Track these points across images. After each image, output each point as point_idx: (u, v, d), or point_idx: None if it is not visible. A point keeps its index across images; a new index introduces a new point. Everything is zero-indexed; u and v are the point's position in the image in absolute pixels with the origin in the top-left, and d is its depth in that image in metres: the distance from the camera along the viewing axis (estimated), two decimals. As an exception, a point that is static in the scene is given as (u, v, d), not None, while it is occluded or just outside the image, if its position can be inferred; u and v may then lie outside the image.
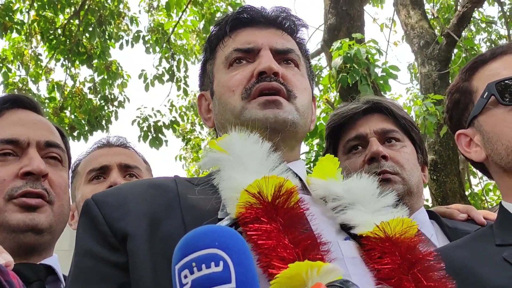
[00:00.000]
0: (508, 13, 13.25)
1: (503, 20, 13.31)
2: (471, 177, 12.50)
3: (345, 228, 1.55)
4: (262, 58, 1.70)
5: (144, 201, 1.48)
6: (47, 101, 11.71)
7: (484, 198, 12.44)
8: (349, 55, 6.54)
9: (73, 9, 11.62)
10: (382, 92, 7.21)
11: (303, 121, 1.70)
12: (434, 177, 8.01)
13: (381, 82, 6.99)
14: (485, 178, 12.35)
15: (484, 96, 1.74)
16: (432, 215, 2.36)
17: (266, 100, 1.63)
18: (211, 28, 1.90)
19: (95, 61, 11.93)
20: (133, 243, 1.39)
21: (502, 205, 1.77)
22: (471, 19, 10.12)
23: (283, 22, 1.83)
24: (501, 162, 1.72)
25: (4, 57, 11.63)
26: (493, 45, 13.45)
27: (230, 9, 11.33)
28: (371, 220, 1.51)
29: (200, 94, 1.89)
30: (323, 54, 9.61)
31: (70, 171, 2.64)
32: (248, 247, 1.13)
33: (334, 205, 1.58)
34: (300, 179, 1.65)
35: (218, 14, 11.28)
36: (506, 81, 1.71)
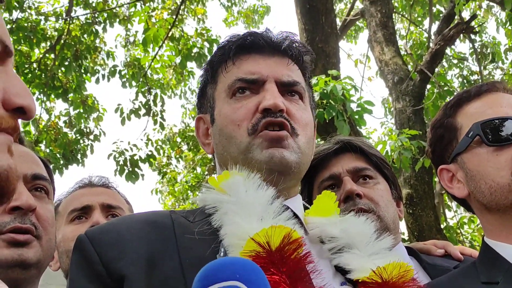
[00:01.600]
0: (478, 50, 13.55)
1: (474, 56, 13.60)
2: (446, 210, 12.62)
3: (341, 271, 1.55)
4: (267, 93, 1.65)
5: (140, 240, 1.44)
6: (21, 135, 11.58)
7: (459, 231, 12.55)
8: (325, 91, 6.61)
9: (48, 43, 11.61)
10: (357, 127, 7.30)
11: (305, 159, 1.68)
12: (410, 211, 8.07)
13: (357, 117, 7.07)
14: (459, 211, 12.48)
15: (469, 135, 1.77)
16: (411, 251, 2.38)
17: (271, 137, 1.60)
18: (214, 50, 1.84)
19: (71, 95, 11.89)
20: (130, 286, 1.36)
21: (484, 241, 1.80)
22: (444, 55, 10.33)
23: (288, 49, 1.76)
24: (483, 200, 1.76)
25: (-22, 90, 11.51)
26: (465, 80, 13.73)
27: (207, 44, 11.41)
28: (367, 264, 1.51)
29: (199, 117, 1.84)
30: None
31: None
32: (268, 281, 1.11)
33: (330, 246, 1.58)
34: (298, 217, 1.63)
35: (195, 50, 11.35)
36: (491, 122, 1.74)
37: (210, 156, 1.86)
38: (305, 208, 1.75)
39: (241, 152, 1.63)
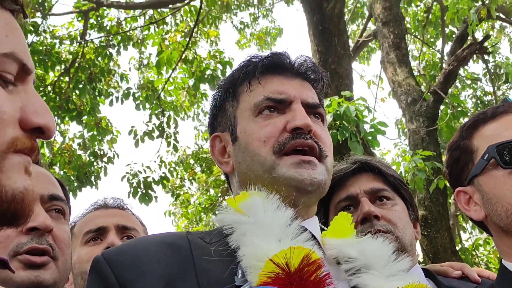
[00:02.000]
0: (492, 70, 13.52)
1: (487, 76, 13.57)
2: (461, 232, 12.50)
3: None
4: (296, 113, 1.65)
5: (158, 262, 1.43)
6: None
7: (474, 253, 12.41)
8: (338, 112, 6.62)
9: (63, 66, 11.72)
10: (371, 148, 7.28)
11: (329, 180, 1.68)
12: (425, 233, 8.01)
13: (370, 138, 7.06)
14: (474, 233, 12.36)
15: (485, 158, 1.77)
16: (427, 273, 2.36)
17: (301, 160, 1.60)
18: (234, 69, 1.81)
19: (85, 117, 11.97)
20: None
21: (502, 264, 1.78)
22: (457, 76, 10.31)
23: (308, 73, 1.78)
24: (500, 223, 1.74)
25: (-6, 114, 11.61)
26: (478, 101, 13.68)
27: (220, 66, 11.47)
28: (385, 285, 1.50)
29: (215, 135, 1.81)
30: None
31: None
32: None
33: (347, 267, 1.57)
34: (315, 237, 1.62)
35: (208, 72, 11.41)
36: (507, 144, 1.73)
37: (223, 177, 1.86)
38: (321, 230, 1.73)
39: (266, 171, 1.62)
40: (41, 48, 11.22)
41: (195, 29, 11.93)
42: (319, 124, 1.72)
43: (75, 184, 11.58)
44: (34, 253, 1.76)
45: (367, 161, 2.43)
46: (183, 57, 11.17)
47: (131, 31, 12.51)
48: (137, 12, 12.63)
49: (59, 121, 11.83)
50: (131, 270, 1.41)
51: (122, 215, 2.60)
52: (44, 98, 11.31)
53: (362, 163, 2.41)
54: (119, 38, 12.16)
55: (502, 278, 1.76)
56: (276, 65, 1.75)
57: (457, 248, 10.01)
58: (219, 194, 14.17)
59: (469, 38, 9.81)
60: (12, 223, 1.02)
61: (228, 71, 11.55)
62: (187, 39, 11.27)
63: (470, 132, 1.86)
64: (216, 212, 1.69)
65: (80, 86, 11.35)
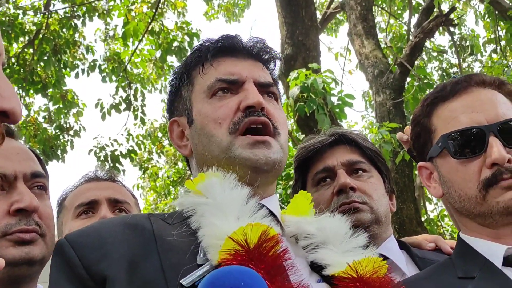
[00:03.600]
0: (458, 42, 13.65)
1: (453, 49, 13.70)
2: (427, 203, 12.71)
3: (316, 269, 1.57)
4: (248, 92, 1.69)
5: (121, 243, 1.45)
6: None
7: (440, 223, 12.65)
8: (306, 85, 6.63)
9: (27, 38, 11.49)
10: (338, 120, 7.32)
11: (285, 157, 1.71)
12: (391, 204, 8.12)
13: (337, 110, 7.10)
14: (440, 204, 12.58)
15: (439, 146, 1.78)
16: (402, 244, 2.41)
17: (255, 141, 1.63)
18: (188, 53, 1.87)
19: (50, 90, 11.79)
20: (113, 287, 1.37)
21: (460, 237, 1.82)
22: (423, 48, 10.39)
23: (261, 54, 1.83)
24: (454, 205, 1.78)
25: (-45, 86, 11.36)
26: (444, 73, 13.82)
27: (187, 38, 11.37)
28: (342, 260, 1.53)
29: (173, 120, 1.85)
30: (280, 83, 9.70)
31: (56, 204, 2.60)
32: None
33: (305, 243, 1.60)
34: (275, 216, 1.65)
35: (175, 44, 11.31)
36: (457, 134, 1.74)
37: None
38: (282, 208, 1.76)
39: (222, 151, 1.65)
40: (4, 19, 10.97)
41: (162, 0, 11.78)
42: (272, 103, 1.76)
43: (41, 158, 11.43)
44: (23, 232, 1.80)
45: (344, 134, 2.45)
46: (149, 28, 11.03)
47: (96, 2, 12.28)
48: (103, -18, 12.42)
49: (23, 94, 11.64)
50: (94, 252, 1.43)
51: (113, 188, 2.60)
52: (8, 70, 11.09)
53: (339, 135, 2.43)
54: (84, 9, 11.94)
55: (460, 251, 1.80)
56: (228, 48, 1.79)
57: (423, 219, 10.20)
58: (187, 167, 14.15)
59: (435, 10, 9.88)
60: None
61: (196, 43, 11.45)
62: (154, 10, 11.12)
63: (430, 110, 1.86)
64: (178, 192, 1.72)
65: (45, 58, 11.14)
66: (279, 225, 1.65)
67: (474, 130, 1.72)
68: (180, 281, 1.32)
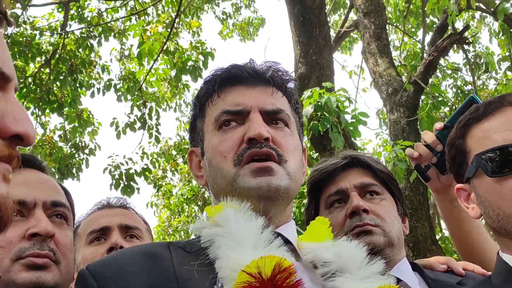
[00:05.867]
0: (472, 60, 13.62)
1: (467, 66, 13.67)
2: (441, 221, 12.61)
3: None
4: (251, 123, 1.69)
5: (141, 273, 1.47)
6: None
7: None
8: (319, 103, 6.63)
9: (43, 58, 11.62)
10: (352, 139, 7.32)
11: (295, 184, 1.69)
12: (405, 222, 8.07)
13: (351, 128, 7.09)
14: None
15: (473, 165, 1.77)
16: (415, 266, 2.40)
17: (258, 168, 1.63)
18: (201, 85, 1.85)
19: (66, 109, 11.89)
20: None
21: (499, 256, 1.80)
22: (437, 66, 10.38)
23: (272, 78, 1.80)
24: (492, 224, 1.76)
25: (-27, 106, 11.48)
26: (459, 91, 13.77)
27: (202, 57, 11.45)
28: (359, 286, 1.53)
29: (191, 151, 1.88)
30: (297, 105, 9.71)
31: None
32: None
33: (323, 271, 1.60)
34: (291, 244, 1.65)
35: (190, 63, 11.39)
36: (491, 152, 1.73)
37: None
38: (299, 233, 1.77)
39: (228, 184, 1.66)
40: (21, 39, 11.10)
41: (177, 20, 11.88)
42: (281, 130, 1.74)
43: (57, 176, 11.51)
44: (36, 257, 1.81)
45: (357, 156, 2.46)
46: (164, 48, 11.11)
47: (112, 22, 12.42)
48: (118, 3, 12.55)
49: (39, 113, 11.75)
50: (115, 281, 1.46)
51: (125, 215, 2.63)
52: (25, 89, 11.23)
53: (352, 158, 2.44)
54: (100, 29, 12.07)
55: (499, 270, 1.78)
56: (236, 76, 1.78)
57: (438, 237, 10.12)
58: (201, 185, 14.15)
59: (449, 28, 9.88)
60: None
61: (210, 62, 11.56)
62: (169, 30, 11.22)
63: (464, 131, 1.86)
64: (194, 222, 1.74)
65: (61, 77, 11.26)
66: (295, 252, 1.65)
67: (509, 147, 1.71)
68: None
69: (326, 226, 1.74)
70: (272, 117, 1.75)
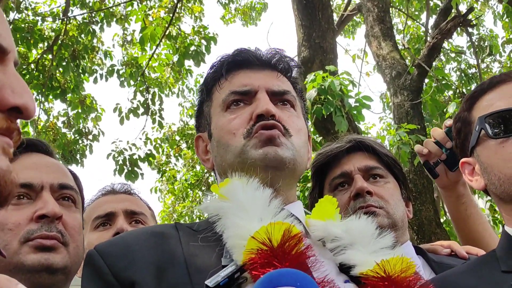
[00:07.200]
0: (476, 43, 13.55)
1: (471, 49, 13.60)
2: (446, 204, 12.59)
3: (344, 270, 1.58)
4: (259, 101, 1.73)
5: (148, 250, 1.49)
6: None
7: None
8: (323, 87, 6.62)
9: (46, 44, 11.60)
10: (356, 122, 7.31)
11: (300, 159, 1.72)
12: (410, 206, 8.06)
13: (355, 112, 7.08)
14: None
15: (476, 129, 1.80)
16: (418, 250, 2.42)
17: (265, 138, 1.65)
18: (206, 57, 1.91)
19: (69, 95, 11.89)
20: None
21: (505, 230, 1.81)
22: (441, 49, 10.33)
23: (277, 64, 1.85)
24: (496, 191, 1.78)
25: (-24, 92, 11.48)
26: (463, 74, 13.72)
27: (204, 42, 11.41)
28: (370, 259, 1.53)
29: (197, 136, 1.91)
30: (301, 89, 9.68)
31: None
32: None
33: (333, 245, 1.61)
34: (299, 221, 1.66)
35: (192, 48, 11.35)
36: (494, 114, 1.76)
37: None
38: (306, 214, 1.77)
39: (236, 156, 1.68)
40: (23, 25, 11.07)
41: (179, 5, 11.83)
42: (287, 110, 1.79)
43: (60, 162, 11.49)
44: (44, 239, 1.81)
45: (361, 140, 2.49)
46: (167, 33, 11.10)
47: (114, 7, 12.38)
48: (120, -12, 12.50)
49: (43, 99, 11.75)
50: (122, 259, 1.47)
51: (130, 200, 2.66)
52: (27, 76, 11.21)
53: (356, 142, 2.47)
54: (102, 14, 12.03)
55: (505, 244, 1.79)
56: (243, 61, 1.83)
57: (442, 220, 10.12)
58: (205, 170, 14.18)
59: (453, 11, 9.81)
60: None
61: (213, 47, 11.52)
62: (171, 15, 11.19)
63: (470, 104, 1.89)
64: (203, 199, 1.74)
65: (64, 63, 11.23)
66: (304, 229, 1.65)
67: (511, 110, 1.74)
68: (205, 282, 1.34)
69: (334, 206, 1.74)
70: (279, 98, 1.79)
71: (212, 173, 1.94)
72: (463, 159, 1.90)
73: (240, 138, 1.69)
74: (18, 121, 1.04)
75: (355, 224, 1.66)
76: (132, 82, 12.09)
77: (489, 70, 14.64)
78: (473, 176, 1.87)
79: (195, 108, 1.97)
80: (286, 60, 1.87)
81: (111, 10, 12.21)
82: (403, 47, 11.45)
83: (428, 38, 10.39)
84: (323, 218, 1.68)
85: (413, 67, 8.98)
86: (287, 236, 1.38)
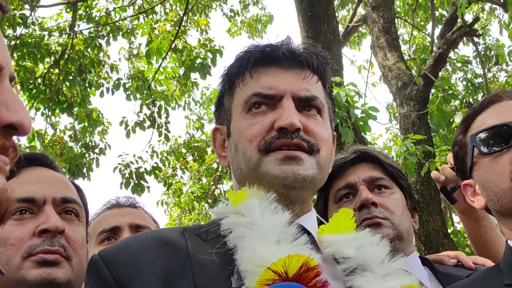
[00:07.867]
0: (482, 53, 13.54)
1: (478, 59, 13.59)
2: (453, 214, 12.55)
3: None
4: (283, 110, 1.61)
5: (155, 260, 1.43)
6: (27, 150, 11.61)
7: (466, 235, 12.46)
8: (329, 98, 6.60)
9: (52, 58, 11.66)
10: (362, 133, 7.29)
11: (322, 174, 1.65)
12: (417, 217, 8.03)
13: (361, 123, 7.07)
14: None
15: (469, 148, 1.83)
16: (425, 261, 2.40)
17: (285, 156, 1.57)
18: (232, 62, 1.76)
19: (76, 109, 11.93)
20: None
21: (508, 244, 1.82)
22: (447, 59, 10.32)
23: (308, 61, 1.70)
24: (495, 207, 1.80)
25: (-17, 107, 11.53)
26: (469, 84, 13.70)
27: (210, 55, 11.44)
28: (380, 286, 1.51)
29: (215, 128, 1.81)
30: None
31: None
32: None
33: (344, 267, 1.56)
34: (311, 235, 1.61)
35: (198, 60, 11.38)
36: (485, 131, 1.80)
37: (215, 166, 1.87)
38: (320, 222, 1.73)
39: (251, 169, 1.61)
40: (30, 40, 11.14)
41: (185, 18, 11.88)
42: (313, 118, 1.67)
43: (67, 176, 11.49)
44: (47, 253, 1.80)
45: (366, 151, 2.48)
46: (173, 46, 11.12)
47: (120, 22, 12.44)
48: (126, 2, 12.58)
49: (49, 114, 11.79)
50: (127, 269, 1.41)
51: (135, 214, 2.64)
52: (34, 90, 11.27)
53: (361, 153, 2.46)
54: (108, 28, 12.09)
55: (508, 258, 1.79)
56: (270, 57, 1.70)
57: (449, 231, 10.07)
58: (212, 183, 14.18)
59: (458, 21, 9.82)
60: None
61: (219, 60, 11.56)
62: (177, 28, 11.22)
63: (465, 127, 1.92)
64: (217, 204, 1.69)
65: (70, 77, 11.29)
66: (315, 245, 1.61)
67: (503, 126, 1.77)
68: None
69: (349, 217, 1.68)
70: (305, 104, 1.67)
71: (226, 169, 1.90)
72: (464, 182, 1.92)
73: (255, 148, 1.60)
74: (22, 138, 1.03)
75: (368, 243, 1.61)
76: (138, 96, 12.12)
77: (495, 80, 14.62)
78: (474, 196, 1.88)
79: (216, 96, 1.85)
80: (316, 57, 1.72)
81: (117, 24, 12.27)
82: (409, 58, 11.45)
83: (434, 48, 10.38)
84: (336, 232, 1.64)
85: (419, 77, 8.98)
86: (304, 269, 1.34)
